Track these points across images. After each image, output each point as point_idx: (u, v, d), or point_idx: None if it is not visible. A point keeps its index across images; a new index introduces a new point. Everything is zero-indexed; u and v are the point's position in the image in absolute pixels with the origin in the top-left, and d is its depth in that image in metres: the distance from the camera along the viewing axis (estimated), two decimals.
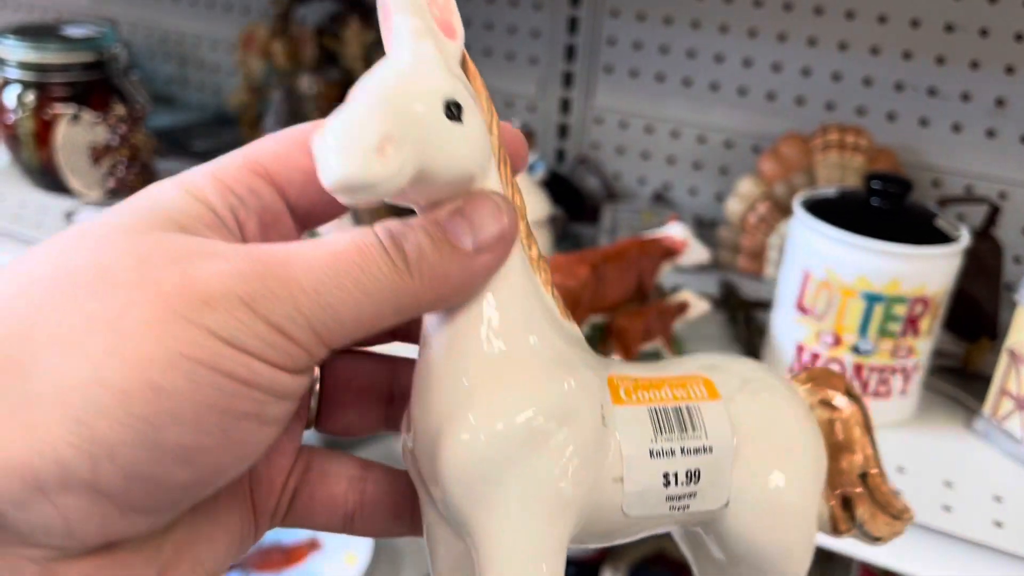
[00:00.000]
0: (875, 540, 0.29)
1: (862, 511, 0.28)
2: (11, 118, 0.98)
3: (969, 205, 0.89)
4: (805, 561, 0.28)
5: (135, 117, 0.89)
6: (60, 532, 0.20)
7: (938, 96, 0.96)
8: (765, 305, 0.87)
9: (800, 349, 0.71)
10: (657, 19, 1.06)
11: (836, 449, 0.29)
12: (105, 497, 0.20)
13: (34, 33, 1.00)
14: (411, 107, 0.21)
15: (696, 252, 0.74)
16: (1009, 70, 0.92)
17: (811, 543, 0.28)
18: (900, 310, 0.67)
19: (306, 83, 0.97)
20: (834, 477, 0.29)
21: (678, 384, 0.27)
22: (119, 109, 0.88)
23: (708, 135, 1.09)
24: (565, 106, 1.15)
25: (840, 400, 0.29)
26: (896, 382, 0.70)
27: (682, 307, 0.73)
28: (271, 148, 0.26)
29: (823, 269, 0.68)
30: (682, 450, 0.26)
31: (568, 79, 1.13)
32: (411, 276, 0.23)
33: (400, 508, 0.29)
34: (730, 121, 1.07)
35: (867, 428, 0.29)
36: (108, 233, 0.22)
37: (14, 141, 1.00)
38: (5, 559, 0.20)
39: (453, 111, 0.22)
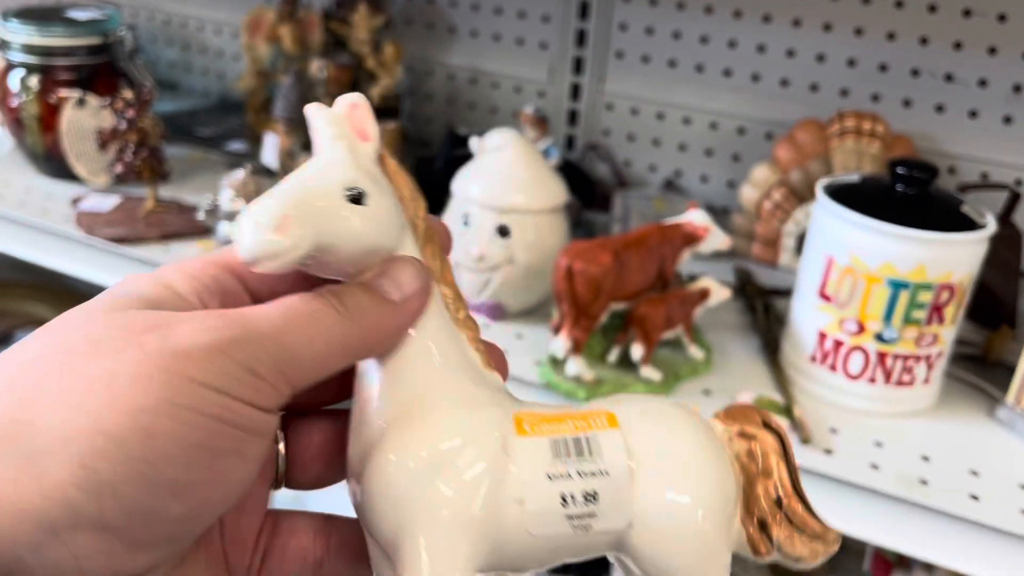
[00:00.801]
0: (797, 560, 0.31)
1: (778, 533, 0.30)
2: (15, 102, 0.97)
3: (989, 192, 0.88)
4: None
5: (143, 100, 0.88)
6: (71, 571, 0.23)
7: (955, 82, 0.95)
8: (784, 293, 0.87)
9: (822, 337, 0.70)
10: (669, 4, 1.05)
11: (753, 476, 0.30)
12: (110, 533, 0.23)
13: (38, 16, 0.98)
14: (311, 193, 0.27)
15: (717, 238, 0.73)
16: None
17: (723, 565, 0.30)
18: (926, 297, 0.66)
19: (316, 67, 0.95)
20: (751, 503, 0.30)
21: (580, 417, 0.30)
22: (126, 92, 0.87)
23: (720, 122, 1.07)
24: (575, 92, 1.13)
25: (756, 430, 0.31)
26: (920, 371, 0.69)
27: (704, 294, 0.73)
28: (229, 248, 0.30)
29: (847, 255, 0.67)
30: (579, 473, 0.29)
31: (579, 65, 1.12)
32: (352, 320, 0.27)
33: (363, 552, 0.32)
34: (743, 108, 1.06)
35: (784, 455, 0.31)
36: (92, 313, 0.26)
37: (18, 126, 0.98)
38: None
39: (356, 197, 0.27)
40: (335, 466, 0.32)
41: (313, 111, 0.29)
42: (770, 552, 0.30)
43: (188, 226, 0.89)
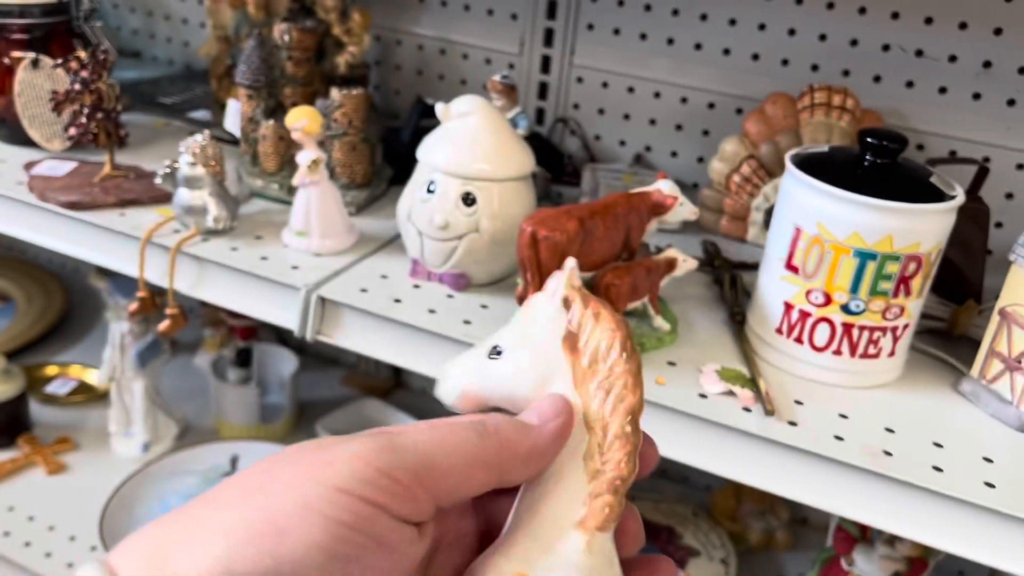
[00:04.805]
0: None
1: None
2: None
3: (958, 166, 0.88)
4: None
5: (98, 61, 0.85)
6: None
7: (924, 58, 0.94)
8: (752, 267, 0.86)
9: (788, 308, 0.70)
10: None
11: None
12: None
13: None
14: (470, 354, 0.35)
15: (685, 209, 0.72)
16: (997, 32, 0.90)
17: None
18: (893, 268, 0.65)
19: (279, 31, 0.93)
20: None
21: None
22: (81, 53, 0.84)
23: (690, 96, 1.06)
24: (546, 64, 1.12)
25: None
26: (885, 343, 0.69)
27: (671, 264, 0.72)
28: None
29: (814, 225, 0.67)
30: None
31: (549, 37, 1.11)
32: (489, 436, 0.30)
33: None
34: (713, 82, 1.05)
35: None
36: (293, 447, 0.30)
37: None
38: None
39: (493, 354, 0.34)
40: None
41: (561, 273, 0.35)
42: None
43: (146, 192, 0.87)
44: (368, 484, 0.27)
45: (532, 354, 0.34)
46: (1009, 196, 0.95)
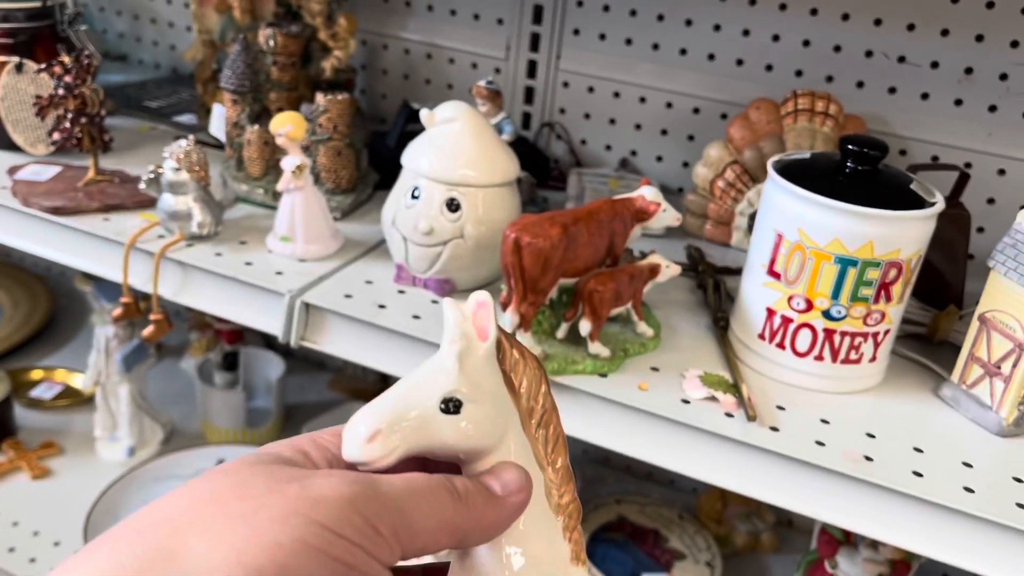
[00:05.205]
0: None
1: None
2: None
3: (939, 172, 0.89)
4: None
5: (82, 66, 0.85)
6: None
7: (907, 64, 0.95)
8: (735, 271, 0.86)
9: (771, 314, 0.70)
10: None
11: None
12: None
13: None
14: (408, 405, 0.31)
15: (668, 215, 0.73)
16: (979, 38, 0.91)
17: None
18: (873, 274, 0.66)
19: (264, 36, 0.93)
20: None
21: None
22: (65, 57, 0.84)
23: (676, 101, 1.07)
24: (532, 69, 1.12)
25: None
26: (867, 348, 0.69)
27: (654, 270, 0.72)
28: None
29: (796, 232, 0.67)
30: None
31: (535, 42, 1.11)
32: (462, 504, 0.31)
33: None
34: (698, 87, 1.05)
35: None
36: (241, 464, 0.30)
37: None
38: None
39: (450, 407, 0.31)
40: None
41: (446, 307, 0.33)
42: None
43: (131, 197, 0.87)
44: (358, 532, 0.28)
45: (492, 405, 0.32)
46: (990, 201, 0.96)
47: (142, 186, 0.81)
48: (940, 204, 0.67)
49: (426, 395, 0.31)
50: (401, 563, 0.32)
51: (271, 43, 0.93)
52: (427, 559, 0.35)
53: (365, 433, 0.30)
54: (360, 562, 0.28)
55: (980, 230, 0.96)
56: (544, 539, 0.33)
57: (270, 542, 0.26)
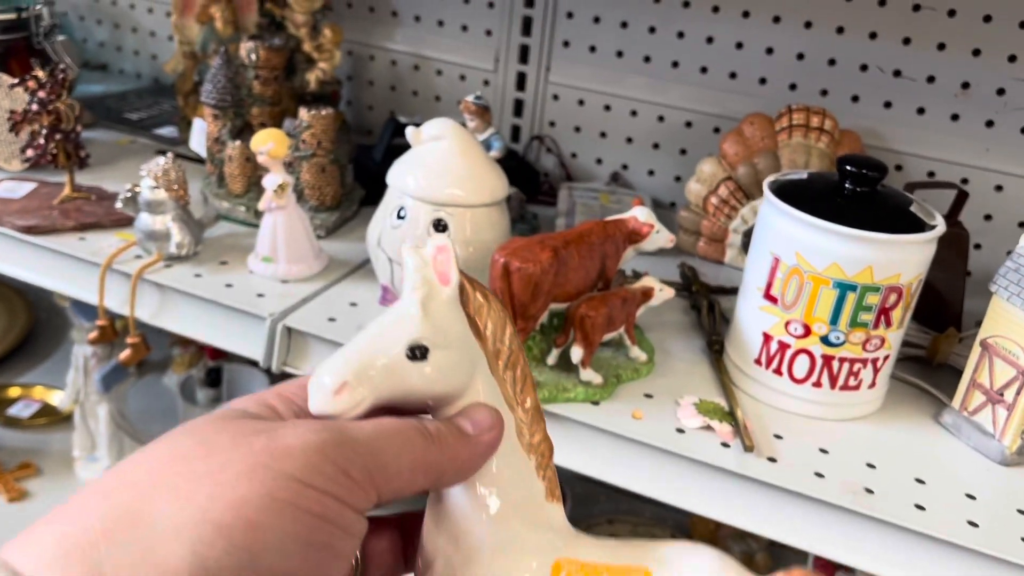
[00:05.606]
0: None
1: None
2: None
3: (936, 190, 0.87)
4: None
5: (57, 81, 0.82)
6: None
7: (903, 78, 0.93)
8: (730, 291, 0.84)
9: (767, 339, 0.68)
10: None
11: None
12: None
13: None
14: (373, 353, 0.30)
15: (661, 237, 0.71)
16: (976, 52, 0.90)
17: None
18: (873, 299, 0.64)
19: (245, 50, 0.90)
20: None
21: (618, 573, 0.32)
22: (39, 72, 0.81)
23: (668, 115, 1.05)
24: (521, 81, 1.10)
25: None
26: (866, 375, 0.67)
27: (647, 293, 0.70)
28: None
29: (793, 256, 0.65)
30: None
31: (525, 53, 1.09)
32: (434, 444, 0.30)
33: None
34: (690, 101, 1.03)
35: None
36: (204, 421, 0.29)
37: None
38: None
39: (416, 353, 0.30)
40: (402, 565, 0.36)
41: (405, 254, 0.32)
42: None
43: (107, 215, 0.84)
44: (329, 480, 0.27)
45: (459, 350, 0.32)
46: (988, 218, 0.94)
47: (119, 205, 0.78)
48: (941, 227, 0.65)
49: (391, 343, 0.30)
50: (378, 512, 0.32)
51: (253, 57, 0.90)
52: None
53: (331, 385, 0.29)
54: (332, 512, 0.27)
55: (977, 247, 0.94)
56: (518, 478, 0.32)
57: (236, 498, 0.26)
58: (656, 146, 1.07)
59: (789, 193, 0.67)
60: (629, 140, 1.08)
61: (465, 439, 0.31)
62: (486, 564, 0.31)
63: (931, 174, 0.95)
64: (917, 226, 0.65)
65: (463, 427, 0.32)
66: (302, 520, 0.26)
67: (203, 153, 0.92)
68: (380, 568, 0.36)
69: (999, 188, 0.93)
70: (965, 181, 0.94)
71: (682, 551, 0.33)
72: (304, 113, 0.84)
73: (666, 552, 0.33)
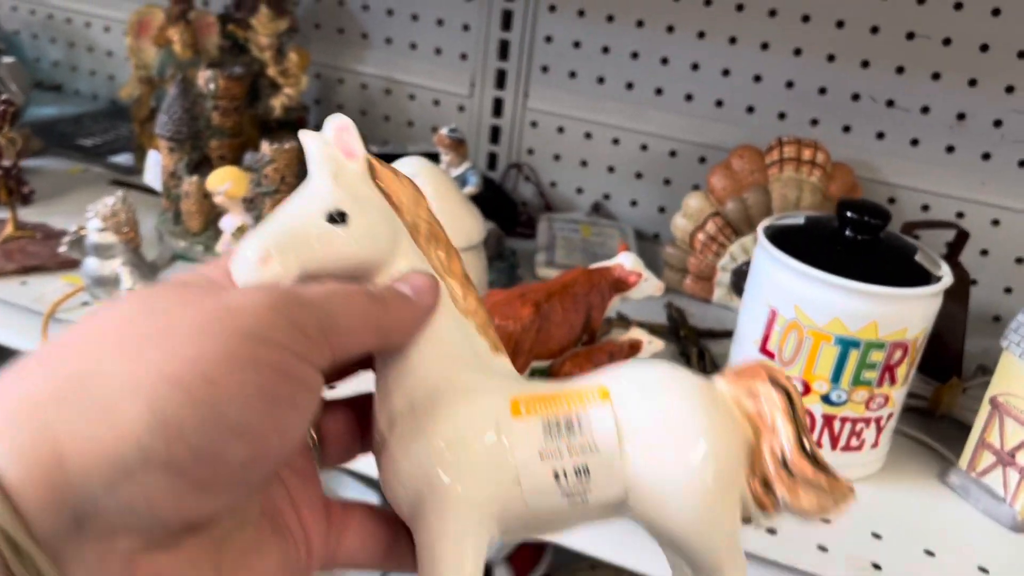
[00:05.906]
0: (805, 514, 0.31)
1: (781, 490, 0.31)
2: None
3: (936, 230, 0.83)
4: (726, 543, 0.31)
5: (1, 111, 0.76)
6: (144, 512, 0.24)
7: (896, 108, 0.90)
8: (719, 334, 0.80)
9: None
10: (599, 17, 0.98)
11: (759, 435, 0.31)
12: (178, 474, 0.24)
13: None
14: (292, 222, 0.29)
15: (649, 285, 0.66)
16: (972, 83, 0.86)
17: (730, 523, 0.31)
18: (877, 356, 0.60)
19: (204, 79, 0.85)
20: (756, 461, 0.31)
21: (573, 395, 0.31)
22: None
23: (651, 143, 1.01)
24: (498, 107, 1.05)
25: (763, 388, 0.31)
26: (869, 435, 0.63)
27: (634, 347, 0.65)
28: None
29: (791, 308, 0.61)
30: (568, 450, 0.30)
31: (501, 78, 1.04)
32: (380, 304, 0.30)
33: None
34: (675, 129, 0.99)
35: (790, 413, 0.31)
36: (144, 292, 0.28)
37: None
38: (94, 553, 0.23)
39: (336, 218, 0.30)
40: (358, 444, 0.35)
41: (303, 137, 0.32)
42: (776, 508, 0.31)
43: (53, 257, 0.78)
44: (284, 334, 0.26)
45: (378, 213, 0.31)
46: (984, 253, 0.90)
47: (63, 249, 0.72)
48: (948, 278, 0.61)
49: (309, 212, 0.30)
50: (329, 395, 0.32)
51: (212, 86, 0.85)
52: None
53: (254, 256, 0.28)
54: (290, 365, 0.26)
55: (973, 282, 0.91)
56: (461, 338, 0.33)
57: (192, 355, 0.25)
58: (639, 175, 1.02)
59: (786, 240, 0.63)
60: (611, 169, 1.03)
61: (406, 300, 0.31)
62: (447, 410, 0.31)
63: (925, 207, 0.91)
64: (922, 276, 0.61)
65: (402, 290, 0.32)
66: (262, 373, 0.26)
67: (158, 187, 0.86)
68: (337, 449, 0.35)
69: (996, 223, 0.89)
70: (960, 215, 0.90)
71: (635, 365, 0.33)
72: (266, 147, 0.79)
73: (621, 369, 0.33)
